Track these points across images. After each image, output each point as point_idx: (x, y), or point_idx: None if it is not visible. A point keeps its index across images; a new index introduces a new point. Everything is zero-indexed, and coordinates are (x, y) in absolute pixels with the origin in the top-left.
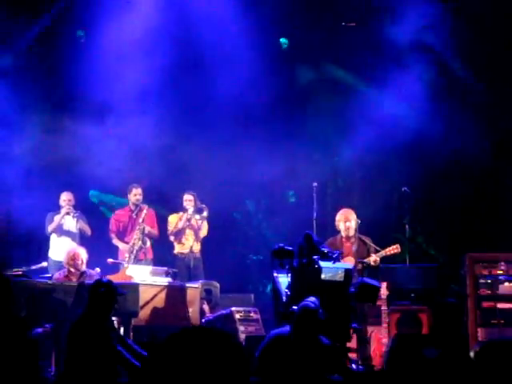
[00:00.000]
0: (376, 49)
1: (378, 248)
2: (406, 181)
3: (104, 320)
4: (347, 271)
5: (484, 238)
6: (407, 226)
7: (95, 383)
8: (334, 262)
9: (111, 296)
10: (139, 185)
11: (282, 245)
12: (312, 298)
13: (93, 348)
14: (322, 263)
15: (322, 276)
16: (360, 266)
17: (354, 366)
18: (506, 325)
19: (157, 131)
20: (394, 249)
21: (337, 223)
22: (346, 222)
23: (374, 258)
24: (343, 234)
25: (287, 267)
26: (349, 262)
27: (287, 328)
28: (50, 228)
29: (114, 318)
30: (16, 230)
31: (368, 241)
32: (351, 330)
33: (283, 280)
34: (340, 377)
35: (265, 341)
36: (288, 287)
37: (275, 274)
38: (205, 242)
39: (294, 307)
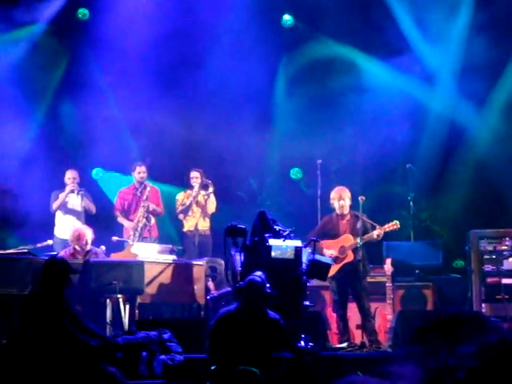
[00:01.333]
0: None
1: (373, 223)
2: (410, 157)
3: (56, 298)
4: (297, 249)
5: (488, 214)
6: (411, 203)
7: (40, 360)
8: (284, 240)
9: (64, 274)
10: (143, 163)
11: (234, 223)
12: (258, 273)
13: (41, 325)
14: (272, 241)
15: (273, 254)
16: (361, 241)
17: (302, 343)
18: (511, 300)
19: (161, 110)
20: (394, 225)
21: (331, 201)
22: (340, 200)
23: (377, 232)
24: (338, 212)
25: (240, 245)
26: (347, 240)
27: (235, 305)
28: (54, 206)
29: (119, 296)
30: (22, 207)
31: (366, 218)
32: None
33: (239, 258)
34: (289, 354)
35: (213, 319)
36: (241, 265)
37: (232, 253)
38: (214, 220)
39: (241, 283)
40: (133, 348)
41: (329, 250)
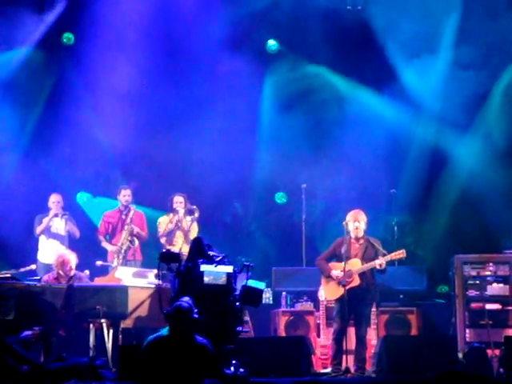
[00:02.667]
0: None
1: (385, 252)
2: (394, 182)
3: None
4: (229, 275)
5: (472, 239)
6: (395, 228)
7: None
8: (216, 266)
9: None
10: (128, 186)
11: (168, 248)
12: (186, 298)
13: None
14: (204, 267)
15: (205, 279)
16: (361, 268)
17: (232, 369)
18: (494, 326)
19: (145, 134)
20: (400, 253)
21: (346, 222)
22: (355, 222)
23: (379, 262)
24: (352, 234)
25: (174, 271)
26: (355, 264)
27: (164, 330)
28: (38, 230)
29: (102, 320)
30: (4, 231)
31: (377, 244)
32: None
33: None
34: (216, 381)
35: (143, 345)
36: (173, 291)
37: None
38: None
39: (168, 309)
40: (62, 374)
41: (336, 271)
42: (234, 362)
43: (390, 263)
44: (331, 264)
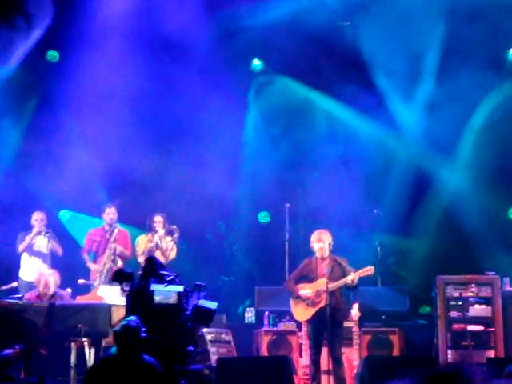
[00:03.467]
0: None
1: (352, 270)
2: (377, 203)
3: None
4: (180, 294)
5: (455, 260)
6: (378, 248)
7: None
8: (166, 285)
9: None
10: (113, 204)
11: (121, 268)
12: (133, 317)
13: None
14: (155, 286)
15: (156, 299)
16: (334, 285)
17: None
18: (476, 347)
19: (130, 152)
20: (368, 270)
21: (311, 244)
22: (319, 242)
23: (351, 277)
24: (317, 254)
25: (127, 290)
26: (323, 284)
27: (114, 349)
28: (20, 247)
29: (84, 339)
30: None
31: (344, 262)
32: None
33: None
34: None
35: (92, 364)
36: (126, 310)
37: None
38: (178, 262)
39: (116, 328)
40: None
41: (305, 292)
42: (182, 382)
43: (373, 283)
44: (300, 285)
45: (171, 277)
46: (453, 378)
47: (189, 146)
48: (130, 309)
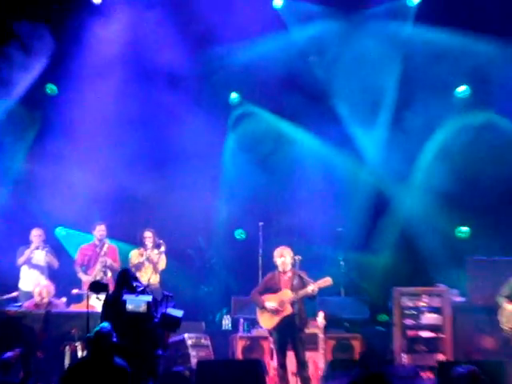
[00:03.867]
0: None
1: (311, 281)
2: (341, 222)
3: None
4: (149, 303)
5: (409, 273)
6: (342, 262)
7: None
8: (137, 295)
9: None
10: (103, 222)
11: (97, 279)
12: (105, 324)
13: None
14: (127, 296)
15: (128, 307)
16: (297, 295)
17: None
18: (428, 351)
19: (120, 176)
20: (326, 281)
21: (274, 259)
22: (281, 257)
23: (312, 288)
24: (280, 268)
25: (102, 299)
26: (286, 294)
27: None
28: (20, 260)
29: (77, 343)
30: None
31: (303, 275)
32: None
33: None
34: None
35: (66, 368)
36: (100, 318)
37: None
38: (167, 273)
39: (90, 334)
40: None
41: (270, 302)
42: (151, 382)
43: (338, 294)
44: (265, 296)
45: (142, 288)
46: (378, 379)
47: (174, 169)
48: (104, 316)
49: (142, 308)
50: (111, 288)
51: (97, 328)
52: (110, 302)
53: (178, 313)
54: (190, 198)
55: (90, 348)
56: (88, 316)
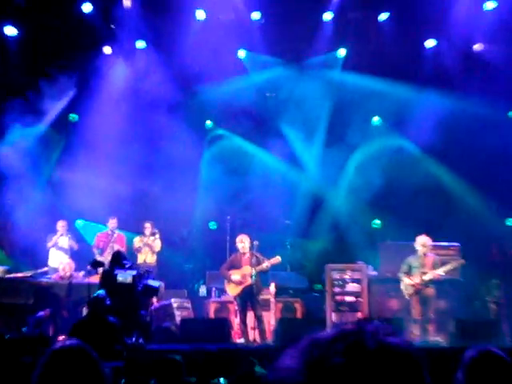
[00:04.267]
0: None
1: (266, 259)
2: (288, 216)
3: None
4: (134, 276)
5: (338, 253)
6: (289, 246)
7: None
8: (125, 271)
9: None
10: (115, 216)
11: (95, 258)
12: (101, 291)
13: None
14: (118, 271)
15: (119, 279)
16: (255, 271)
17: (133, 339)
18: (350, 311)
19: (124, 180)
20: (276, 259)
21: (236, 244)
22: (241, 243)
23: (266, 264)
24: (240, 251)
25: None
26: (247, 270)
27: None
28: (49, 244)
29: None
30: (28, 245)
31: (259, 255)
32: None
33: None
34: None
35: (71, 326)
36: (98, 287)
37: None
38: (161, 255)
39: (90, 298)
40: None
41: (234, 276)
42: (135, 335)
43: (285, 270)
44: (231, 271)
45: (129, 265)
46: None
47: (165, 175)
48: (101, 285)
49: (129, 280)
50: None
51: (94, 294)
52: (106, 275)
53: (156, 284)
54: (176, 198)
55: (89, 309)
56: (89, 286)
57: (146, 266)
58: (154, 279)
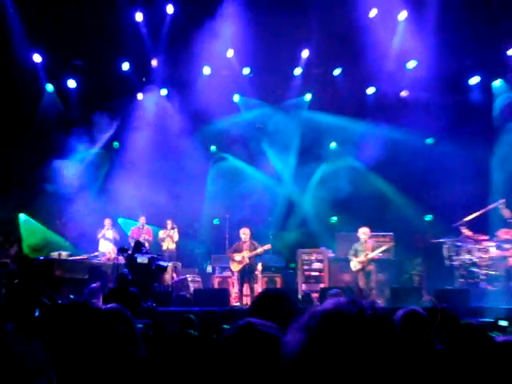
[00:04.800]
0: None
1: (260, 246)
2: (271, 214)
3: None
4: (149, 259)
5: (307, 242)
6: (271, 237)
7: None
8: (143, 255)
9: None
10: (143, 214)
11: (122, 246)
12: (125, 269)
13: None
14: (138, 255)
15: (138, 260)
16: (251, 254)
17: (148, 304)
18: (316, 282)
19: (152, 190)
20: (268, 246)
21: (240, 235)
22: (243, 234)
23: (260, 250)
24: (242, 239)
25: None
26: (246, 253)
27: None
28: (99, 236)
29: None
30: (86, 235)
31: (255, 243)
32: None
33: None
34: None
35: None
36: (124, 266)
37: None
38: (180, 244)
39: (118, 274)
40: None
41: (237, 256)
42: (150, 301)
43: (268, 252)
44: (234, 254)
45: (145, 250)
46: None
47: (181, 186)
48: (126, 265)
49: (146, 261)
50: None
51: (120, 271)
52: (129, 258)
53: (165, 264)
54: (189, 202)
55: (116, 282)
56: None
57: (168, 251)
58: (164, 261)
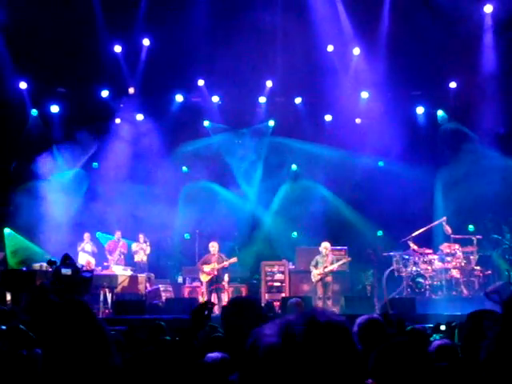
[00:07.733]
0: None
1: (227, 259)
2: (237, 229)
3: None
4: (73, 270)
5: (269, 255)
6: (237, 251)
7: None
8: (67, 267)
9: None
10: (119, 229)
11: (49, 258)
12: (46, 282)
13: None
14: (62, 267)
15: (62, 272)
16: (219, 266)
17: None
18: (277, 292)
19: (127, 206)
20: (234, 260)
21: (209, 248)
22: (212, 247)
23: (227, 262)
24: (211, 252)
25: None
26: (215, 266)
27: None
28: (79, 249)
29: (106, 289)
30: (71, 248)
31: (223, 255)
32: None
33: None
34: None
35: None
36: (50, 277)
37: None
38: (150, 256)
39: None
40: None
41: (206, 268)
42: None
43: (234, 265)
44: (204, 266)
45: (71, 263)
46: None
47: (154, 205)
48: (52, 275)
49: (69, 273)
50: None
51: (40, 283)
52: (56, 269)
53: (88, 275)
54: (162, 218)
55: (34, 292)
56: (112, 276)
57: (141, 263)
58: (88, 273)
